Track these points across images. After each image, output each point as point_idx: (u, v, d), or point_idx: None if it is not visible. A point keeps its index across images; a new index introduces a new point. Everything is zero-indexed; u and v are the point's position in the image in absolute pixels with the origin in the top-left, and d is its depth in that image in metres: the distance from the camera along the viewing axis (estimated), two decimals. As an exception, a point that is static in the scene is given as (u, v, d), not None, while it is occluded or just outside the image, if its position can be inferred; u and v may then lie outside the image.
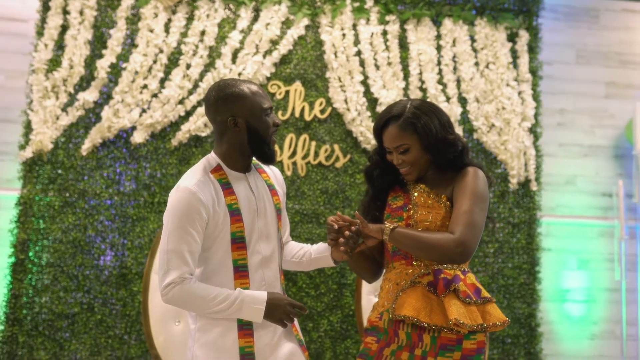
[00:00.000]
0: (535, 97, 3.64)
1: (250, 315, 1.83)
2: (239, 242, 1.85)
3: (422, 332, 1.94)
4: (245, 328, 1.85)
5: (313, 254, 2.10)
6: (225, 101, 1.86)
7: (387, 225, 1.93)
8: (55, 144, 3.14)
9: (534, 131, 3.61)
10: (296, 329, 2.01)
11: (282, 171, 3.30)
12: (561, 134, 4.35)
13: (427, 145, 2.01)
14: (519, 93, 3.59)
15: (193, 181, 1.83)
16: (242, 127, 1.87)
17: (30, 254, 3.07)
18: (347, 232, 1.94)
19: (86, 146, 3.15)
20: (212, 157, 1.93)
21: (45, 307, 3.05)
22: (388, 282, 2.07)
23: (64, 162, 3.15)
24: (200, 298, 1.79)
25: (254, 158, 1.99)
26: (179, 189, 1.82)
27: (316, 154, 3.35)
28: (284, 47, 3.37)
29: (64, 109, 3.16)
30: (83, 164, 3.17)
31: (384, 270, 2.19)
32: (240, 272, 1.86)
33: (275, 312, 1.84)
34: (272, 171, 2.08)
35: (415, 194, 2.04)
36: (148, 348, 3.05)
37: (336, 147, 3.36)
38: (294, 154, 3.33)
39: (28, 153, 3.10)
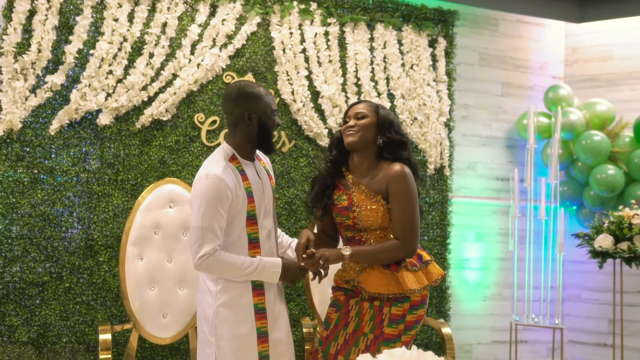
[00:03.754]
0: (450, 95, 4.19)
1: (269, 277, 2.26)
2: (252, 219, 2.27)
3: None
4: (258, 289, 2.28)
5: (287, 250, 2.54)
6: (245, 98, 2.27)
7: (344, 253, 2.34)
8: (24, 124, 3.27)
9: (448, 125, 4.17)
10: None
11: (235, 154, 3.65)
12: (465, 125, 4.95)
13: (380, 124, 2.44)
14: (437, 92, 4.13)
15: (219, 169, 2.20)
16: (254, 122, 2.29)
17: (1, 226, 3.22)
18: (315, 270, 2.34)
19: (54, 126, 3.31)
20: (227, 147, 2.32)
21: (16, 276, 3.20)
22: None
23: (33, 140, 3.29)
24: (230, 265, 2.19)
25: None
26: (208, 176, 2.18)
27: (265, 139, 3.73)
28: (238, 41, 3.68)
29: (32, 91, 3.29)
30: (51, 143, 3.32)
31: (341, 244, 2.66)
32: (253, 243, 2.28)
33: (288, 273, 2.29)
34: (265, 159, 2.50)
35: (356, 195, 2.46)
36: (115, 313, 3.35)
37: (282, 133, 3.74)
38: (245, 138, 3.69)
39: (-1, 131, 3.23)
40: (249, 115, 2.29)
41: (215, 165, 2.25)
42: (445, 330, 2.86)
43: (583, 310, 5.00)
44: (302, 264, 2.34)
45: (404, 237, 2.38)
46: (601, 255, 3.40)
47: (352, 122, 2.45)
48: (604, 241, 3.34)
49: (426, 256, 2.53)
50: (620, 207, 3.55)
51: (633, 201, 3.68)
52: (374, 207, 2.42)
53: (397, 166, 2.41)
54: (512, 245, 4.19)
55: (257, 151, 2.46)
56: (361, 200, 2.44)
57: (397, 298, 2.42)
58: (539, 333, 4.94)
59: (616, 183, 4.45)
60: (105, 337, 2.50)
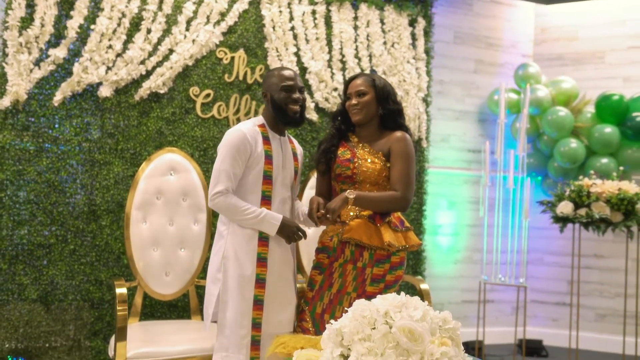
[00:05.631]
0: (428, 72, 4.46)
1: (268, 229, 2.55)
2: (267, 178, 2.57)
3: (363, 250, 2.65)
4: (263, 239, 2.57)
5: (301, 216, 2.83)
6: (264, 79, 2.69)
7: (349, 196, 2.56)
8: (29, 95, 3.44)
9: (425, 100, 4.44)
10: None
11: (228, 126, 3.86)
12: (440, 100, 5.24)
13: (379, 98, 2.71)
14: (416, 69, 4.40)
15: (245, 128, 2.57)
16: (268, 99, 2.58)
17: (9, 192, 3.41)
18: (326, 219, 2.56)
19: (57, 98, 3.49)
20: (260, 117, 2.71)
21: (24, 238, 3.41)
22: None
23: (37, 111, 3.47)
24: (236, 207, 2.50)
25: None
26: (235, 130, 2.56)
27: (256, 112, 3.91)
28: (231, 19, 3.87)
29: (36, 64, 3.46)
30: (54, 113, 3.50)
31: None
32: (266, 200, 2.58)
33: (286, 229, 2.56)
34: (298, 146, 2.85)
35: (359, 150, 2.75)
36: (117, 272, 3.58)
37: (272, 106, 3.98)
38: (237, 111, 3.90)
39: (5, 102, 3.38)
40: (265, 93, 2.68)
41: (244, 124, 2.63)
42: (423, 286, 3.16)
43: (545, 272, 5.40)
44: (319, 226, 2.62)
45: (404, 188, 2.63)
46: (562, 221, 3.74)
47: (354, 101, 2.71)
48: (565, 207, 3.68)
49: (407, 223, 2.79)
50: (581, 177, 3.90)
51: (592, 172, 4.03)
52: (375, 161, 2.67)
53: (399, 133, 2.70)
54: (482, 212, 4.51)
55: (292, 137, 2.82)
56: (362, 155, 2.70)
57: (379, 259, 2.65)
58: (504, 293, 5.33)
59: (578, 155, 4.81)
60: (121, 290, 2.74)
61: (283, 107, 2.62)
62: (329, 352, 1.87)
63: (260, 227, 2.56)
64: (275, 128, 2.70)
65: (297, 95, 2.64)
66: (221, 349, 2.57)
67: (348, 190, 2.61)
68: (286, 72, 2.66)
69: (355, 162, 2.70)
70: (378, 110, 2.72)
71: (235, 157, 2.53)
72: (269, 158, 2.60)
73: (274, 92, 2.63)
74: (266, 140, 2.63)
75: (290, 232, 2.59)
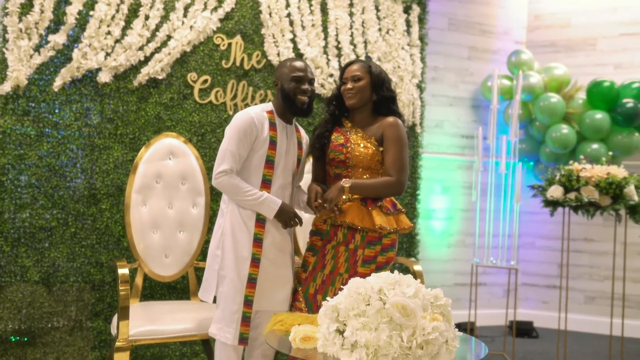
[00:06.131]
0: (422, 59, 4.52)
1: (266, 211, 2.64)
2: (269, 163, 2.66)
3: (355, 232, 2.72)
4: (260, 221, 2.66)
5: (302, 203, 2.92)
6: (276, 69, 2.79)
7: (345, 185, 2.64)
8: (29, 81, 3.48)
9: (420, 86, 4.50)
10: None
11: (225, 111, 3.93)
12: (434, 86, 5.31)
13: (374, 84, 2.78)
14: (411, 55, 4.45)
15: (254, 112, 2.68)
16: (279, 87, 2.69)
17: (10, 176, 3.47)
18: (323, 208, 2.65)
19: (57, 83, 3.54)
20: (269, 104, 2.81)
21: (26, 221, 3.48)
22: None
23: (38, 96, 3.52)
24: (238, 188, 2.60)
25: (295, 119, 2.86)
26: (243, 113, 2.67)
27: (253, 98, 3.97)
28: (228, 5, 3.91)
29: (36, 49, 3.51)
30: (54, 98, 3.55)
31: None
32: (265, 183, 2.67)
33: (283, 215, 2.65)
34: (304, 135, 2.94)
35: (352, 135, 2.83)
36: (117, 255, 3.66)
37: (269, 92, 4.02)
38: (234, 97, 3.95)
39: (6, 87, 3.43)
40: (276, 82, 2.78)
41: (253, 109, 2.73)
42: (417, 267, 3.24)
43: (536, 255, 5.51)
44: (318, 214, 2.70)
45: (398, 173, 2.70)
46: (552, 204, 3.83)
47: (350, 85, 2.78)
48: (555, 191, 3.76)
49: (400, 206, 2.87)
50: (571, 162, 3.98)
51: (582, 157, 4.12)
52: (367, 146, 2.74)
53: (392, 118, 2.77)
54: (474, 197, 4.60)
55: (299, 126, 2.91)
56: (355, 140, 2.78)
57: (370, 241, 2.73)
58: (496, 276, 5.44)
59: (569, 141, 4.90)
60: (123, 271, 2.81)
61: (292, 97, 2.71)
62: (326, 328, 1.96)
63: (260, 209, 2.65)
64: (283, 116, 2.78)
65: (306, 86, 2.73)
66: (217, 320, 2.70)
67: (344, 179, 2.68)
68: (297, 64, 2.74)
69: (348, 147, 2.77)
70: (372, 96, 2.79)
71: (242, 138, 2.63)
72: (273, 143, 2.69)
73: (284, 82, 2.72)
74: (272, 126, 2.72)
75: (287, 218, 2.68)
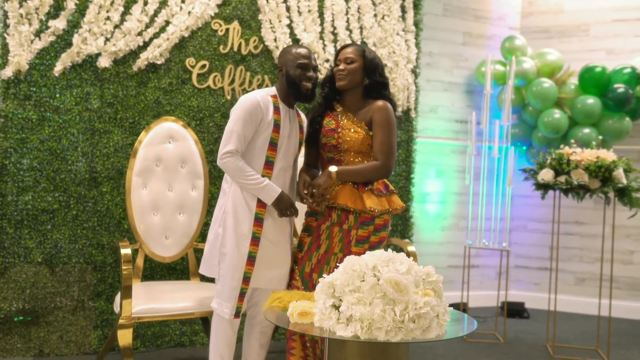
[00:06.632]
0: (417, 44, 4.58)
1: (265, 197, 2.72)
2: (272, 145, 2.76)
3: (348, 214, 2.82)
4: (262, 202, 2.78)
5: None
6: (281, 54, 2.86)
7: (332, 170, 2.76)
8: (30, 65, 3.54)
9: (414, 71, 4.56)
10: None
11: (223, 96, 3.99)
12: (429, 72, 5.37)
13: (366, 68, 2.85)
14: (406, 41, 4.51)
15: (260, 95, 2.76)
16: (284, 72, 2.77)
17: (13, 159, 3.54)
18: (311, 196, 2.76)
19: (58, 68, 3.60)
20: (273, 88, 2.89)
21: (29, 204, 3.55)
22: None
23: (39, 81, 3.57)
24: (241, 170, 2.69)
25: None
26: (249, 96, 2.75)
27: (250, 82, 4.03)
28: (225, -10, 3.98)
29: (37, 35, 3.56)
30: (55, 83, 3.60)
31: (320, 172, 3.09)
32: (268, 165, 2.77)
33: (281, 203, 2.74)
34: (305, 119, 3.02)
35: (343, 120, 2.90)
36: (118, 236, 3.74)
37: (266, 77, 4.08)
38: (232, 81, 4.01)
39: (8, 72, 3.48)
40: (281, 68, 2.85)
41: (258, 92, 2.82)
42: (411, 248, 3.33)
43: (528, 238, 5.62)
44: (307, 203, 2.81)
45: (384, 157, 2.79)
46: (543, 187, 3.92)
47: (342, 67, 2.85)
48: (546, 174, 3.85)
49: (392, 187, 2.96)
50: (562, 145, 4.07)
51: (572, 141, 4.20)
52: (358, 130, 2.83)
53: (381, 102, 2.84)
54: (468, 181, 4.69)
55: (300, 111, 2.98)
56: (346, 125, 2.86)
57: (363, 221, 2.82)
58: (489, 259, 5.55)
59: (561, 125, 4.98)
60: (126, 251, 2.90)
61: (297, 83, 2.79)
62: (322, 303, 2.05)
63: (259, 194, 2.73)
64: (286, 101, 2.87)
65: (311, 73, 2.82)
66: (217, 296, 2.81)
67: (331, 166, 2.80)
68: (302, 51, 2.82)
69: (339, 132, 2.86)
70: (363, 79, 2.86)
71: (247, 120, 2.71)
72: (277, 127, 2.78)
73: (289, 68, 2.80)
74: (277, 110, 2.80)
75: (284, 207, 2.76)
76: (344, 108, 2.91)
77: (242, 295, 2.75)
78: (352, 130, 2.83)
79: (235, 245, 2.75)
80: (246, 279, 2.75)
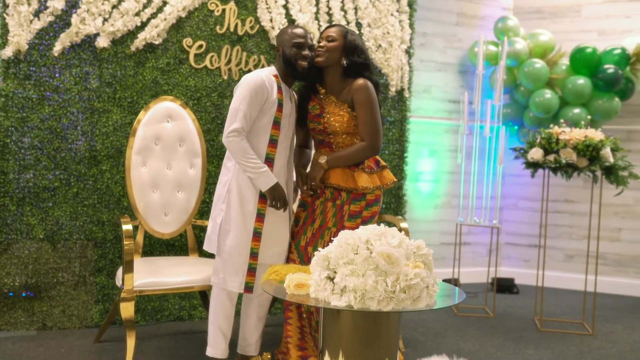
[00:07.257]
0: (411, 25, 4.63)
1: (261, 183, 2.80)
2: (276, 124, 2.84)
3: (341, 191, 2.93)
4: None
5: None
6: (278, 35, 2.94)
7: (321, 161, 2.88)
8: (30, 45, 3.59)
9: (408, 52, 4.62)
10: None
11: (220, 76, 4.06)
12: (422, 52, 5.44)
13: (346, 48, 2.91)
14: (400, 21, 4.57)
15: (263, 74, 2.83)
16: (280, 53, 2.86)
17: (14, 138, 3.61)
18: (310, 189, 2.93)
19: (57, 48, 3.65)
20: (273, 68, 2.95)
21: (30, 181, 3.62)
22: None
23: (38, 61, 3.63)
24: (245, 152, 2.76)
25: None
26: (254, 75, 2.82)
27: (246, 62, 4.09)
28: (222, -29, 4.02)
29: (36, 15, 3.61)
30: (55, 63, 3.66)
31: (314, 152, 3.19)
32: (272, 143, 2.85)
33: (274, 193, 2.82)
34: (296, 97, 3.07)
35: (326, 104, 2.97)
36: (118, 214, 3.83)
37: (262, 57, 4.14)
38: (229, 61, 4.07)
39: (8, 52, 3.54)
40: (278, 48, 2.93)
41: (262, 71, 2.88)
42: (403, 224, 3.44)
43: (519, 216, 5.74)
44: (306, 192, 2.95)
45: (369, 137, 2.88)
46: (533, 166, 4.02)
47: (322, 43, 2.93)
48: (535, 153, 3.95)
49: (383, 163, 3.05)
50: (551, 125, 4.16)
51: (562, 120, 4.29)
52: (341, 113, 2.92)
53: (360, 80, 2.90)
54: (460, 160, 4.78)
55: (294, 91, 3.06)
56: (330, 108, 2.95)
57: (355, 197, 2.93)
58: (480, 236, 5.67)
59: (552, 105, 5.07)
60: (127, 227, 2.99)
61: (293, 62, 2.87)
62: (317, 275, 2.16)
63: (257, 178, 2.81)
64: (286, 80, 2.95)
65: (306, 52, 2.88)
66: (219, 271, 2.88)
67: (320, 157, 2.91)
68: (298, 31, 2.89)
69: (324, 117, 2.96)
70: (342, 59, 2.91)
71: (253, 99, 2.77)
72: (280, 106, 2.86)
73: (285, 48, 2.88)
74: (279, 89, 2.89)
75: (276, 196, 2.84)
76: (326, 90, 2.98)
77: (251, 270, 2.84)
78: (336, 113, 2.93)
79: (241, 222, 2.83)
80: (254, 255, 2.84)
